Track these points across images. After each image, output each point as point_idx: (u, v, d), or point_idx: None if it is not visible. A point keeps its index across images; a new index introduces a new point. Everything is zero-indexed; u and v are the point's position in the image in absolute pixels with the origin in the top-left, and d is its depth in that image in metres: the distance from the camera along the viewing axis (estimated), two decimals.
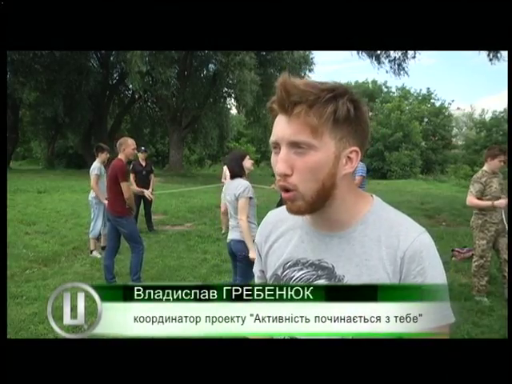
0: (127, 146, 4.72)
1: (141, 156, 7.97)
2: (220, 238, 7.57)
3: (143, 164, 7.91)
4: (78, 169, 23.02)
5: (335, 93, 0.84)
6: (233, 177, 3.73)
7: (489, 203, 4.33)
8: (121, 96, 27.75)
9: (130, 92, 26.53)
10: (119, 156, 4.76)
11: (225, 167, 7.91)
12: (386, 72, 15.61)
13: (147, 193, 6.66)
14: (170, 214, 9.74)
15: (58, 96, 20.67)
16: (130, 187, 4.84)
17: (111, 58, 23.85)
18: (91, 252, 6.33)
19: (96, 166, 6.32)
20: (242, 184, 3.58)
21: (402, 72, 15.74)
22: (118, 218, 4.77)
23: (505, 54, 11.06)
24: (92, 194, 6.43)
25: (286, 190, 0.87)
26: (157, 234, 7.78)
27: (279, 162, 0.86)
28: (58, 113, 20.66)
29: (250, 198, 3.59)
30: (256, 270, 1.13)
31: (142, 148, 8.37)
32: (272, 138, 0.88)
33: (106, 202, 6.48)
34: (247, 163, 3.77)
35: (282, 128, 0.86)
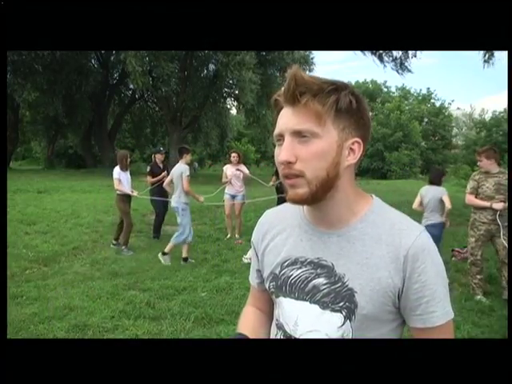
0: None
1: (159, 157, 7.55)
2: (220, 237, 7.55)
3: (161, 166, 7.51)
4: (78, 169, 23.03)
5: (337, 86, 0.86)
6: None
7: (487, 204, 4.30)
8: (121, 96, 27.77)
9: (130, 92, 26.55)
10: None
11: (225, 167, 7.83)
12: (392, 69, 15.50)
13: (136, 193, 6.58)
14: (170, 214, 9.72)
15: (57, 96, 20.69)
16: None
17: (111, 58, 23.87)
18: (185, 260, 5.93)
19: (185, 168, 5.85)
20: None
21: (404, 70, 15.67)
22: None
23: (499, 56, 11.10)
24: (182, 199, 5.82)
25: (290, 177, 0.87)
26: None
27: (283, 150, 0.86)
28: (58, 113, 20.67)
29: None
30: (253, 270, 1.12)
31: (161, 149, 7.96)
32: (276, 131, 0.89)
33: (202, 199, 6.20)
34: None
35: (286, 119, 0.87)
